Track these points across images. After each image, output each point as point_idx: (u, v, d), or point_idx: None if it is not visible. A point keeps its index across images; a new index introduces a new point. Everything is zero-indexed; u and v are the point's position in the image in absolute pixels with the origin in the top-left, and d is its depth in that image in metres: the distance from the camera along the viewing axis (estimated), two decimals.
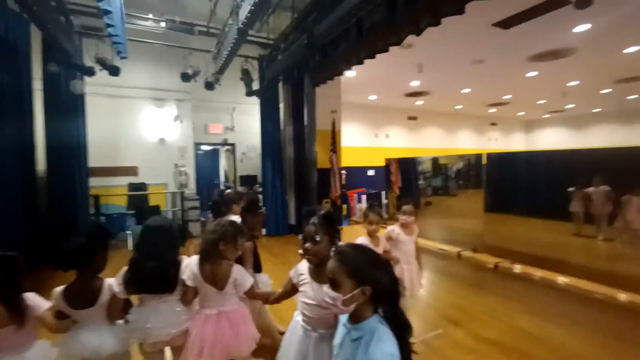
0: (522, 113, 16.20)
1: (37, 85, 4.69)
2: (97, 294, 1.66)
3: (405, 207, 2.77)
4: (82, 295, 1.65)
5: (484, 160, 5.93)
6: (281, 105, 7.59)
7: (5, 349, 1.47)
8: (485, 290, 4.09)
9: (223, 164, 9.62)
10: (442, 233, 6.41)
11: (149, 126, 6.75)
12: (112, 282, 1.71)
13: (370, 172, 13.12)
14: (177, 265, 1.79)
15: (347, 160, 12.03)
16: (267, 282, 2.55)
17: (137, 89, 6.48)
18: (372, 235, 2.50)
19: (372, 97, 12.19)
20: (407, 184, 7.95)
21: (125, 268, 1.74)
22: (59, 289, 1.64)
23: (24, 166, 4.39)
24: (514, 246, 5.04)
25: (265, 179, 6.86)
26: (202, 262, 1.79)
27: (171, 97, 6.88)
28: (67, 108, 4.92)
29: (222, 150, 9.52)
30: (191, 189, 7.01)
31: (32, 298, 1.56)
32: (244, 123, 8.37)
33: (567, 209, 4.57)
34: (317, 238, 1.53)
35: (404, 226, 2.77)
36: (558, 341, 2.81)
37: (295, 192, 7.13)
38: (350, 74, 9.03)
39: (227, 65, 5.35)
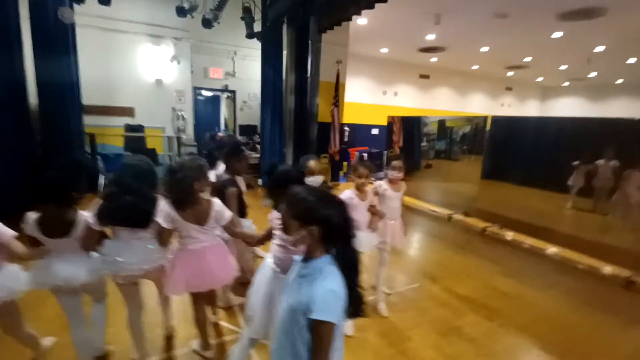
0: (540, 79, 15.36)
1: (24, 14, 4.42)
2: (72, 224, 1.68)
3: (395, 163, 2.70)
4: (57, 225, 1.67)
5: (489, 124, 5.72)
6: (285, 52, 7.20)
7: None
8: (468, 252, 4.17)
9: (224, 111, 9.41)
10: (438, 196, 6.40)
11: (145, 65, 6.48)
12: (87, 215, 1.72)
13: (375, 131, 12.85)
14: (152, 202, 1.79)
15: (351, 116, 11.74)
16: (250, 227, 2.58)
17: (132, 22, 6.10)
18: (360, 188, 2.46)
19: (384, 50, 11.50)
20: (409, 145, 7.78)
21: (100, 201, 1.74)
22: (33, 215, 1.65)
23: (15, 101, 4.28)
24: (506, 213, 5.03)
25: (264, 129, 6.73)
26: (181, 207, 1.79)
27: (168, 35, 6.51)
28: (56, 39, 4.67)
29: (223, 97, 9.25)
30: (189, 134, 6.92)
31: None
32: (246, 69, 8.01)
33: (566, 180, 4.45)
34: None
35: (392, 182, 2.73)
36: (528, 301, 2.91)
37: (294, 144, 7.02)
38: (361, 21, 8.42)
39: (225, 0, 4.95)
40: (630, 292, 3.20)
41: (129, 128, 6.38)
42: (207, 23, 5.54)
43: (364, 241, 2.42)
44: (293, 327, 1.09)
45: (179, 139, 6.44)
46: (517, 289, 3.15)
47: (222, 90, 8.18)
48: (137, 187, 1.76)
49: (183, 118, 6.85)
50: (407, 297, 2.94)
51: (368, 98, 12.94)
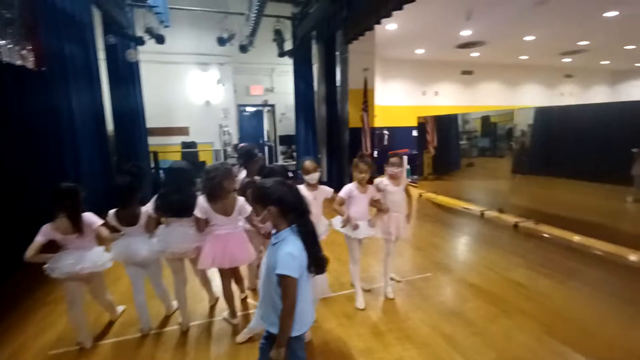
0: (606, 62, 13.79)
1: (100, 56, 5.53)
2: (139, 216, 2.31)
3: (393, 159, 2.93)
4: (129, 217, 2.31)
5: (515, 117, 5.51)
6: (316, 66, 7.71)
7: (71, 249, 2.17)
8: (493, 246, 4.13)
9: (266, 124, 10.23)
10: (476, 194, 6.24)
11: (195, 89, 7.47)
12: (148, 208, 2.33)
13: (415, 133, 12.71)
14: (194, 197, 2.33)
15: (390, 120, 11.82)
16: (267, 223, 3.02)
17: (183, 54, 7.14)
18: (361, 182, 2.77)
19: (419, 51, 11.45)
20: (445, 144, 7.69)
21: (154, 198, 2.34)
22: (112, 211, 2.31)
23: (98, 128, 5.36)
24: (542, 208, 4.80)
25: (299, 138, 7.26)
26: (213, 200, 2.29)
27: (213, 61, 7.44)
28: (125, 75, 5.75)
29: (265, 111, 10.07)
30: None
31: (89, 216, 2.22)
32: (283, 84, 8.69)
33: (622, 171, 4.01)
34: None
35: (392, 177, 2.96)
36: (543, 293, 2.87)
37: (327, 151, 7.44)
38: (390, 26, 8.62)
39: (257, 27, 5.60)
40: None
41: (185, 145, 7.38)
42: (243, 49, 6.27)
43: (361, 229, 2.72)
44: (270, 283, 1.45)
45: (224, 151, 7.25)
46: (534, 280, 3.11)
47: (263, 105, 8.95)
48: (182, 186, 2.35)
49: (228, 133, 7.70)
50: (416, 285, 3.11)
51: (407, 100, 12.87)
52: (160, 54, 6.76)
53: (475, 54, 11.87)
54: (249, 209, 2.35)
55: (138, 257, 2.29)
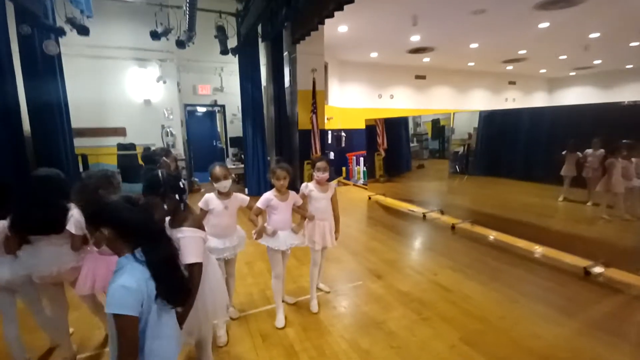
0: (543, 70, 14.93)
1: (14, 48, 4.90)
2: None
3: (319, 164, 2.81)
4: None
5: (454, 120, 5.70)
6: (264, 65, 7.49)
7: None
8: (428, 249, 4.19)
9: (218, 125, 9.82)
10: (423, 196, 6.36)
11: (133, 87, 6.94)
12: (3, 225, 1.95)
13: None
14: (62, 210, 2.00)
15: (348, 122, 11.89)
16: None
17: (118, 49, 6.59)
18: (280, 190, 2.60)
19: (373, 55, 11.63)
20: (396, 146, 7.80)
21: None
22: None
23: (10, 128, 4.73)
24: (481, 209, 4.96)
25: (247, 139, 6.99)
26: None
27: (154, 57, 6.95)
28: (44, 69, 5.15)
29: (217, 112, 9.66)
30: (178, 149, 7.29)
31: None
32: (233, 84, 8.34)
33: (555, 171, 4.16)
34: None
35: (319, 183, 2.85)
36: (465, 296, 2.90)
37: (277, 153, 7.25)
38: (341, 28, 8.63)
39: (193, 21, 5.28)
40: (586, 283, 3.13)
41: (122, 147, 6.82)
42: (180, 44, 5.90)
43: (282, 239, 2.57)
44: (110, 322, 1.18)
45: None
46: (458, 282, 3.15)
47: (212, 105, 8.55)
48: (48, 198, 1.97)
49: (171, 134, 7.23)
50: (344, 295, 3.02)
51: (364, 103, 13.05)
52: (91, 47, 6.18)
53: (426, 59, 12.28)
54: None
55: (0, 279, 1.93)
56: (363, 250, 4.10)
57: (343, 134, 12.40)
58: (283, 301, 2.86)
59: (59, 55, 5.35)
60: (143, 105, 7.05)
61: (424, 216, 5.52)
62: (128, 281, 1.14)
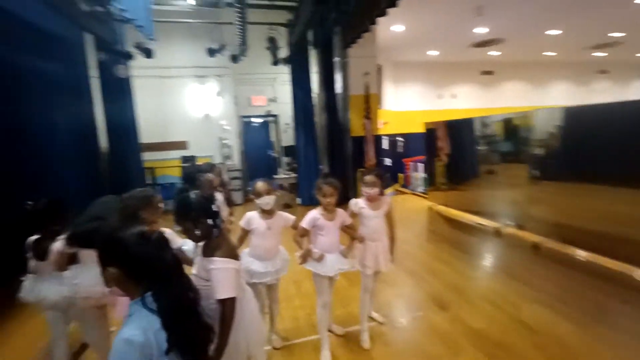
0: None
1: (94, 74, 5.48)
2: (48, 250, 1.97)
3: (367, 178, 2.47)
4: (41, 250, 1.98)
5: (536, 118, 4.84)
6: (316, 72, 7.37)
7: None
8: (505, 273, 3.52)
9: (272, 135, 10.00)
10: (494, 206, 5.56)
11: (193, 103, 7.35)
12: (59, 242, 1.99)
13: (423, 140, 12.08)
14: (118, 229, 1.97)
15: (405, 126, 11.26)
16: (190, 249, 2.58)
17: (179, 68, 7.04)
18: (327, 208, 2.33)
19: (432, 53, 10.87)
20: (460, 150, 7.04)
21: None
22: (32, 239, 2.01)
23: (86, 145, 5.26)
24: (581, 223, 4.03)
25: (299, 148, 6.91)
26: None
27: (211, 74, 7.29)
28: (117, 91, 5.67)
29: (270, 122, 9.85)
30: (234, 160, 7.51)
31: None
32: (286, 93, 8.41)
33: None
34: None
35: (370, 199, 2.51)
36: (558, 341, 2.28)
37: (329, 161, 7.02)
38: (397, 28, 8.18)
39: (245, 35, 5.35)
40: None
41: (184, 159, 7.24)
42: (234, 59, 6.06)
43: (330, 264, 2.28)
44: None
45: (222, 164, 7.04)
46: (549, 322, 2.51)
47: (266, 116, 8.70)
48: (104, 215, 1.95)
49: (228, 146, 7.48)
50: (402, 328, 2.61)
51: (421, 104, 12.26)
52: (155, 68, 6.69)
53: (494, 53, 11.12)
54: (177, 242, 1.97)
55: (47, 299, 1.96)
56: (423, 271, 3.62)
57: (400, 138, 11.79)
58: (330, 331, 2.56)
59: (129, 78, 5.85)
60: (203, 119, 7.42)
61: (497, 231, 4.78)
62: (133, 333, 0.96)
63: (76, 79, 5.07)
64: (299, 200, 6.96)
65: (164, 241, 1.13)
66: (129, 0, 4.10)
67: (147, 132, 6.58)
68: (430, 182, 7.15)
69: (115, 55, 5.56)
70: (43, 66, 4.33)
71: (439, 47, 10.30)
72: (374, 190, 2.43)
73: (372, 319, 2.71)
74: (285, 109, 8.47)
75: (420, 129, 7.36)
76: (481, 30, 8.65)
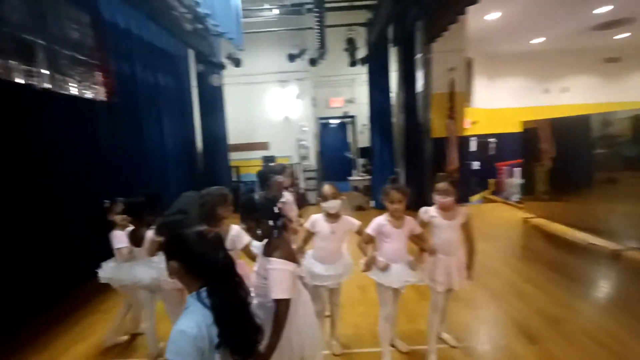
0: None
1: (194, 83, 6.29)
2: (143, 238, 2.30)
3: (439, 185, 2.21)
4: (137, 238, 2.32)
5: None
6: (395, 71, 7.08)
7: None
8: (618, 307, 2.78)
9: (349, 136, 10.02)
10: (611, 222, 4.52)
11: (275, 106, 7.82)
12: (151, 231, 2.30)
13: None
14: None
15: (498, 125, 10.07)
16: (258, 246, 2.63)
17: (264, 74, 7.55)
18: (394, 215, 2.19)
19: (537, 41, 9.42)
20: (568, 153, 5.92)
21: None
22: (128, 229, 2.37)
23: (186, 147, 6.08)
24: None
25: (374, 150, 6.74)
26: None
27: (292, 78, 7.64)
28: (211, 99, 6.39)
29: (348, 123, 9.87)
30: (310, 160, 7.75)
31: (114, 235, 2.34)
32: (364, 94, 8.32)
33: None
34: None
35: (443, 208, 2.25)
36: None
37: (406, 164, 6.66)
38: (491, 16, 7.32)
39: (323, 38, 5.44)
40: None
41: (264, 159, 7.75)
42: (313, 62, 6.21)
43: (395, 274, 2.12)
44: None
45: (298, 164, 7.32)
46: None
47: (343, 117, 8.75)
48: (188, 209, 2.18)
49: (305, 147, 7.75)
50: (477, 357, 2.28)
51: (522, 101, 10.74)
52: (242, 75, 7.31)
53: (621, 36, 9.07)
54: (245, 239, 2.07)
55: (141, 281, 2.27)
56: (510, 294, 3.12)
57: (492, 139, 10.57)
58: (393, 346, 2.39)
59: (220, 86, 6.53)
60: (283, 121, 7.84)
61: (616, 254, 3.85)
62: (188, 325, 1.02)
63: (181, 89, 5.88)
64: (372, 204, 6.79)
65: (218, 241, 1.18)
66: (221, 16, 4.53)
67: (234, 134, 7.25)
68: (527, 190, 6.20)
69: (210, 66, 6.26)
70: (158, 79, 5.13)
71: (547, 33, 8.86)
72: (447, 199, 2.18)
73: (442, 340, 2.44)
74: (362, 109, 8.37)
75: (516, 128, 6.44)
76: (603, 9, 7.15)
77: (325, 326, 2.49)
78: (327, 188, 2.23)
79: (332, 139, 10.83)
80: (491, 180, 9.87)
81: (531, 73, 10.73)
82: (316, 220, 2.29)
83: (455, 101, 6.11)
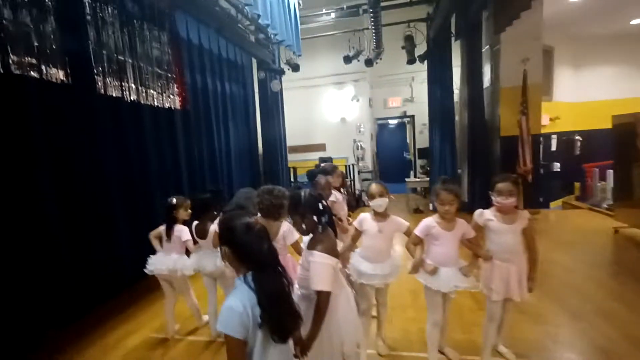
0: None
1: (255, 90, 6.73)
2: (208, 231, 2.56)
3: (501, 186, 2.02)
4: (202, 231, 2.59)
5: None
6: (459, 67, 6.67)
7: (163, 252, 2.63)
8: None
9: (408, 136, 9.69)
10: None
11: (331, 108, 7.95)
12: (214, 224, 2.54)
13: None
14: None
15: (586, 121, 8.84)
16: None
17: (321, 77, 7.73)
18: (444, 217, 2.09)
19: (636, 21, 7.99)
20: None
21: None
22: (194, 224, 2.63)
23: (250, 150, 6.52)
24: None
25: (433, 150, 6.43)
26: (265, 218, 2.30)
27: (348, 80, 7.69)
28: (271, 104, 6.77)
29: (407, 123, 9.56)
30: (366, 161, 7.69)
31: (179, 229, 2.61)
32: (423, 93, 8.00)
33: None
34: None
35: (501, 211, 2.08)
36: None
37: (470, 165, 6.21)
38: None
39: (379, 37, 5.38)
40: None
41: (322, 160, 7.91)
42: (369, 62, 6.17)
43: (444, 278, 2.03)
44: None
45: (352, 166, 7.32)
46: None
47: (401, 117, 8.51)
48: (245, 206, 2.36)
49: (361, 147, 7.72)
50: None
51: (616, 92, 9.20)
52: (301, 79, 7.59)
53: None
54: (295, 235, 2.17)
55: (205, 269, 2.52)
56: (592, 312, 2.72)
57: (578, 137, 9.30)
58: (442, 353, 2.28)
59: (281, 91, 6.87)
60: (339, 122, 7.93)
61: None
62: (235, 303, 1.15)
63: (245, 95, 6.35)
64: (431, 206, 6.47)
65: (263, 233, 1.30)
66: (280, 24, 4.79)
67: (292, 137, 7.56)
68: (620, 195, 5.31)
69: (271, 73, 6.64)
70: (226, 87, 5.63)
71: None
72: (510, 201, 2.01)
73: (499, 353, 2.25)
74: (422, 108, 8.04)
75: (608, 124, 5.56)
76: None
77: (373, 326, 2.48)
78: (374, 187, 2.22)
79: (390, 140, 10.61)
80: (577, 184, 8.69)
81: (629, 59, 9.13)
82: (364, 218, 2.29)
83: (529, 95, 5.51)
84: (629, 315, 2.65)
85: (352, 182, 7.39)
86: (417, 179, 7.25)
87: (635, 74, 9.24)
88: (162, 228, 2.63)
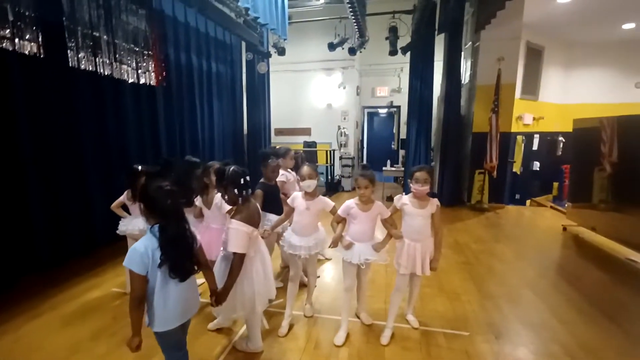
0: None
1: (243, 71, 6.89)
2: None
3: (418, 174, 2.29)
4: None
5: None
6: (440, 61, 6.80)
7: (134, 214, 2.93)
8: (618, 326, 2.54)
9: (394, 127, 9.86)
10: None
11: (318, 93, 8.11)
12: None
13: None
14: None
15: (570, 123, 8.90)
16: (270, 220, 2.91)
17: (308, 62, 7.86)
18: (362, 199, 2.37)
19: (628, 26, 8.01)
20: (634, 158, 5.15)
21: None
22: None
23: (234, 129, 6.75)
24: None
25: (409, 142, 6.65)
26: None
27: (337, 66, 7.82)
28: (257, 85, 6.94)
29: (394, 113, 9.71)
30: (348, 148, 7.91)
31: None
32: None
33: None
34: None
35: (416, 197, 2.36)
36: None
37: (441, 158, 6.45)
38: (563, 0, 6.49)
39: (362, 28, 5.51)
40: None
41: (306, 144, 8.15)
42: (352, 51, 6.31)
43: (356, 252, 2.32)
44: None
45: (333, 152, 7.55)
46: None
47: (387, 107, 8.68)
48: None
49: (345, 134, 7.93)
50: (435, 340, 2.37)
51: (605, 97, 9.29)
52: (290, 63, 7.73)
53: None
54: (227, 206, 2.44)
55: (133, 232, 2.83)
56: (504, 296, 3.03)
57: (561, 138, 9.45)
58: (358, 317, 2.62)
59: (267, 73, 7.02)
60: (326, 108, 8.11)
61: None
62: (139, 245, 1.47)
63: (233, 75, 6.52)
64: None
65: (172, 194, 1.56)
66: (264, 7, 4.91)
67: (278, 119, 7.76)
68: (574, 195, 5.56)
69: (258, 55, 6.78)
70: (211, 66, 5.81)
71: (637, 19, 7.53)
72: (425, 188, 2.29)
73: (407, 321, 2.59)
74: (407, 99, 8.21)
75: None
76: None
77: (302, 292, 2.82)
78: (305, 169, 2.48)
79: (379, 129, 10.78)
80: (555, 184, 8.95)
81: (619, 65, 9.17)
82: (295, 197, 2.57)
83: (501, 93, 5.69)
84: (534, 299, 2.97)
85: (332, 167, 7.65)
86: (393, 168, 7.51)
87: (624, 79, 9.30)
88: (123, 196, 2.90)
